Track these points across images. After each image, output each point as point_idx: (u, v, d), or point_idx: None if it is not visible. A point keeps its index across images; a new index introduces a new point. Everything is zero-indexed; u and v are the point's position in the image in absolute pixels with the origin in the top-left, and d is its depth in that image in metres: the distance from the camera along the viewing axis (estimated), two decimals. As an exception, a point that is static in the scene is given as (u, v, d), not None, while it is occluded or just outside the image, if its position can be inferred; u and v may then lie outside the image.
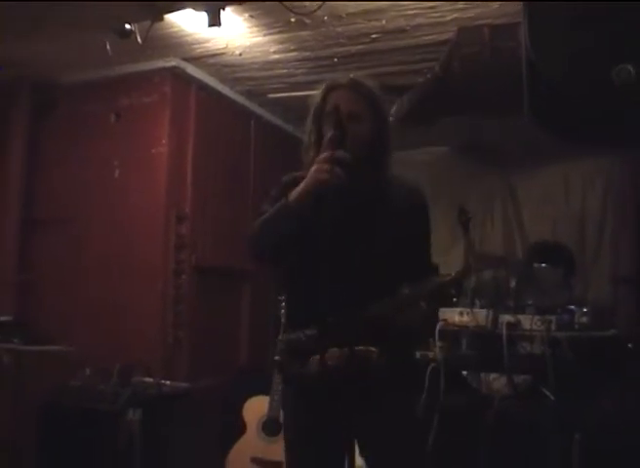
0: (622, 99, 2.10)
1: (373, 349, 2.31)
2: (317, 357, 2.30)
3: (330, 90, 2.46)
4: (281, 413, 4.63)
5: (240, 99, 6.11)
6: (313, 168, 2.25)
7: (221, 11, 4.02)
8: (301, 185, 2.30)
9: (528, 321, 4.73)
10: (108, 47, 4.34)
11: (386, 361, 2.32)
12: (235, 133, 6.19)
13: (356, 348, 2.25)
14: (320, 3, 3.98)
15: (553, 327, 4.64)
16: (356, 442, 2.38)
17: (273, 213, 2.38)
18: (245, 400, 4.80)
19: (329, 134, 2.27)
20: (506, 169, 6.83)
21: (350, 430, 2.28)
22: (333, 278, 2.27)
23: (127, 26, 4.22)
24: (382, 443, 2.41)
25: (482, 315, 4.88)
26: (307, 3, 4.26)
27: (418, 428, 2.60)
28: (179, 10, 4.01)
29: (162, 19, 4.11)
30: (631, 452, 3.80)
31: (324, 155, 2.24)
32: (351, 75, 2.55)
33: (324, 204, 2.27)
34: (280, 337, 2.71)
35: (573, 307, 4.90)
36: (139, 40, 4.20)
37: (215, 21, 3.98)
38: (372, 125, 2.42)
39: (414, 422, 2.55)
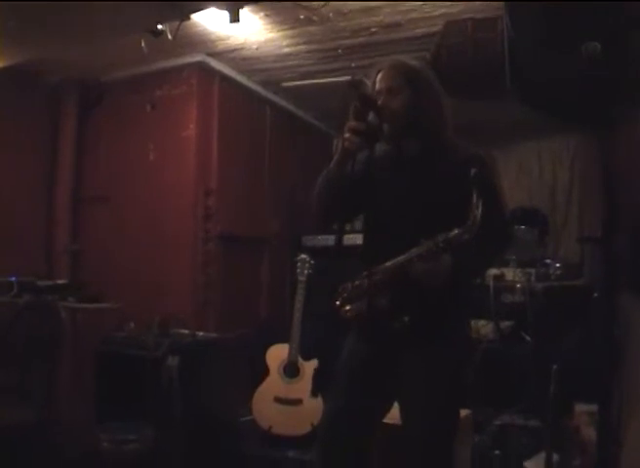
0: (589, 75, 2.09)
1: (384, 303, 2.27)
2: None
3: (377, 72, 2.46)
4: (299, 358, 4.71)
5: (257, 88, 6.09)
6: None
7: (240, 9, 4.01)
8: (335, 154, 2.36)
9: (511, 273, 4.78)
10: (143, 45, 4.32)
11: (402, 314, 2.26)
12: (253, 117, 6.19)
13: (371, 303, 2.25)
14: (324, 2, 3.95)
15: (533, 278, 4.68)
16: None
17: (320, 181, 2.42)
18: (267, 348, 4.83)
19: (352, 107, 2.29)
20: (488, 145, 6.84)
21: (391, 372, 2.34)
22: (384, 233, 2.39)
23: (159, 26, 4.22)
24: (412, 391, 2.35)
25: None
26: (315, 3, 4.27)
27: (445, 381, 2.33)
28: (203, 9, 3.98)
29: (189, 18, 4.09)
30: (592, 376, 3.91)
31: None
32: (395, 57, 2.57)
33: (367, 166, 2.36)
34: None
35: (548, 261, 4.94)
36: (169, 37, 4.19)
37: (235, 18, 3.97)
38: (409, 97, 2.37)
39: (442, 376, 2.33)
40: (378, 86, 2.42)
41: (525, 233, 5.51)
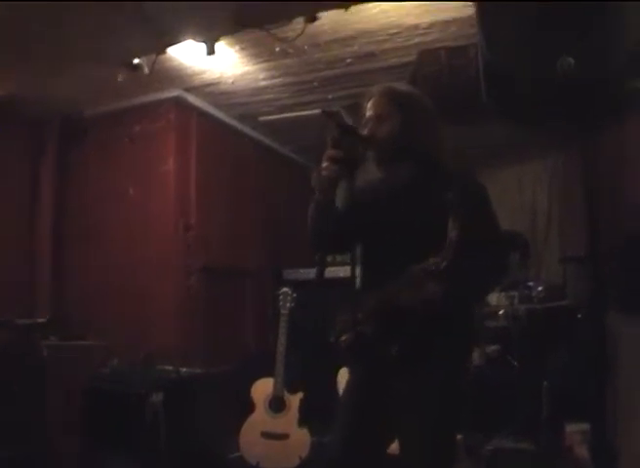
0: (565, 88, 2.11)
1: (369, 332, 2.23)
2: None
3: (367, 99, 2.47)
4: (285, 391, 4.66)
5: (234, 123, 6.12)
6: None
7: (216, 42, 4.04)
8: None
9: (495, 297, 4.79)
10: (120, 79, 4.32)
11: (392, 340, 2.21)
12: (231, 152, 6.20)
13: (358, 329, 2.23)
14: (300, 32, 3.97)
15: (516, 301, 4.69)
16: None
17: (309, 211, 2.40)
18: (252, 382, 4.78)
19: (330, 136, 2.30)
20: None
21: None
22: (379, 261, 2.34)
23: (135, 60, 4.24)
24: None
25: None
26: (290, 32, 4.24)
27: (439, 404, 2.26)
28: (180, 41, 3.99)
29: (165, 52, 4.11)
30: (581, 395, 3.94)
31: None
32: (386, 84, 2.53)
33: (361, 195, 2.38)
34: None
35: (531, 283, 4.96)
36: (146, 71, 4.21)
37: (211, 50, 4.01)
38: (399, 123, 2.36)
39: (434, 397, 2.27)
40: (367, 113, 2.44)
41: (507, 257, 5.53)
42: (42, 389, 3.88)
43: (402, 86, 2.54)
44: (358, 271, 2.47)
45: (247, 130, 6.32)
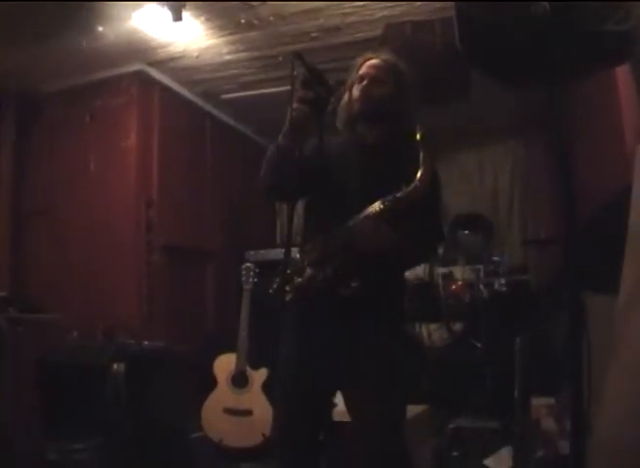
0: (540, 34, 2.09)
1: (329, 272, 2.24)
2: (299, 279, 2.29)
3: (363, 60, 2.52)
4: (247, 367, 4.61)
5: (197, 100, 6.05)
6: None
7: (183, 9, 3.98)
8: (283, 127, 2.31)
9: (459, 271, 4.81)
10: (84, 44, 4.22)
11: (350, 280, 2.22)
12: (193, 130, 6.13)
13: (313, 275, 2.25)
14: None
15: (481, 274, 4.71)
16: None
17: (268, 155, 2.39)
18: (215, 357, 4.72)
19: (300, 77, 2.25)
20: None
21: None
22: (336, 216, 2.32)
23: (99, 29, 4.15)
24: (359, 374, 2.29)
25: (419, 268, 4.93)
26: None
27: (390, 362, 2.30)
28: (145, 4, 3.91)
29: (130, 17, 4.02)
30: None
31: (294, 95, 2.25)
32: (382, 54, 2.59)
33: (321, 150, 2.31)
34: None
35: (496, 258, 4.99)
36: (111, 38, 4.12)
37: (177, 17, 3.95)
38: (391, 89, 2.45)
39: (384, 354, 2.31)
40: (362, 70, 2.47)
41: (469, 238, 5.57)
42: (1, 362, 3.77)
43: (396, 58, 2.57)
44: (301, 226, 2.49)
45: (209, 107, 6.25)
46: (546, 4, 2.06)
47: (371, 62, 2.50)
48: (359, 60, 2.54)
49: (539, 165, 6.51)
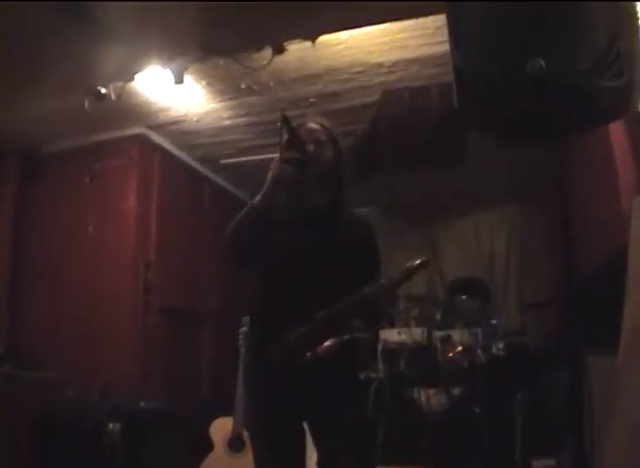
0: (537, 91, 2.13)
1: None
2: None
3: (300, 125, 2.45)
4: (244, 431, 4.53)
5: (196, 166, 6.14)
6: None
7: (185, 72, 4.06)
8: (263, 187, 2.30)
9: (457, 334, 4.78)
10: (86, 106, 4.27)
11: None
12: (192, 194, 6.21)
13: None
14: (269, 58, 3.98)
15: (479, 337, 4.68)
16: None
17: (243, 215, 2.34)
18: (210, 423, 4.65)
19: (284, 137, 2.29)
20: (425, 223, 6.99)
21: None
22: (288, 286, 2.32)
23: (102, 90, 4.22)
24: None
25: (417, 332, 4.91)
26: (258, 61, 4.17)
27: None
28: (149, 67, 3.97)
29: (133, 78, 4.10)
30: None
31: (277, 156, 2.28)
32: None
33: (284, 211, 2.36)
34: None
35: (494, 321, 4.97)
36: (113, 97, 4.18)
37: (179, 79, 4.02)
38: (333, 152, 2.43)
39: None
40: (304, 135, 2.39)
41: (467, 302, 5.56)
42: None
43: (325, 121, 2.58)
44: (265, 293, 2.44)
45: (207, 172, 6.33)
46: (541, 61, 2.09)
47: (309, 126, 2.47)
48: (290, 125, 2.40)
49: (534, 228, 6.54)
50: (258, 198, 2.30)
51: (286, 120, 2.26)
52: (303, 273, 2.30)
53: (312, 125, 2.48)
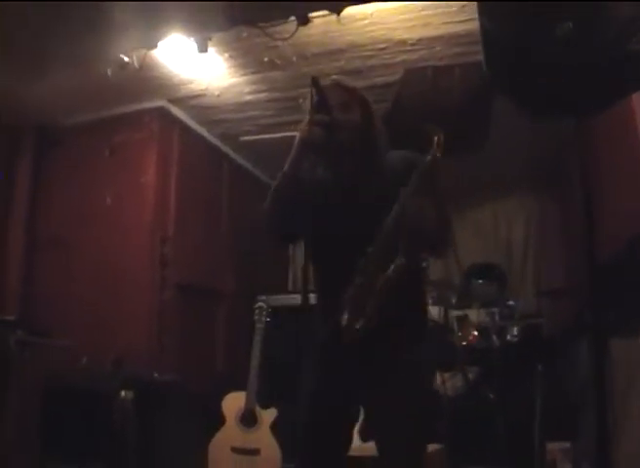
0: (565, 56, 2.11)
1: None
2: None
3: (323, 88, 2.28)
4: (257, 406, 4.52)
5: (216, 142, 6.12)
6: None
7: (208, 41, 4.04)
8: (291, 153, 2.23)
9: (474, 314, 4.76)
10: (110, 73, 4.27)
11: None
12: (211, 170, 6.19)
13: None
14: (295, 28, 3.95)
15: (497, 317, 4.66)
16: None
17: (275, 185, 2.27)
18: (222, 398, 4.65)
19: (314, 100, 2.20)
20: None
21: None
22: (338, 256, 2.24)
23: (125, 58, 4.21)
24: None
25: (434, 311, 4.89)
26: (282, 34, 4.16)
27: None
28: (172, 35, 3.95)
29: (156, 46, 4.07)
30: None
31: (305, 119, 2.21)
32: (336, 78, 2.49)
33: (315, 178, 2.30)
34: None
35: (511, 302, 4.95)
36: (135, 66, 4.17)
37: (203, 48, 4.00)
38: (360, 115, 2.31)
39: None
40: (333, 99, 2.28)
41: (484, 287, 5.54)
42: (5, 383, 3.72)
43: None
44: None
45: (227, 149, 6.31)
46: (570, 24, 2.07)
47: (333, 91, 2.33)
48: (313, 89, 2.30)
49: (551, 215, 6.53)
50: (286, 164, 2.23)
51: (316, 82, 2.21)
52: (349, 244, 2.19)
53: (335, 90, 2.35)
